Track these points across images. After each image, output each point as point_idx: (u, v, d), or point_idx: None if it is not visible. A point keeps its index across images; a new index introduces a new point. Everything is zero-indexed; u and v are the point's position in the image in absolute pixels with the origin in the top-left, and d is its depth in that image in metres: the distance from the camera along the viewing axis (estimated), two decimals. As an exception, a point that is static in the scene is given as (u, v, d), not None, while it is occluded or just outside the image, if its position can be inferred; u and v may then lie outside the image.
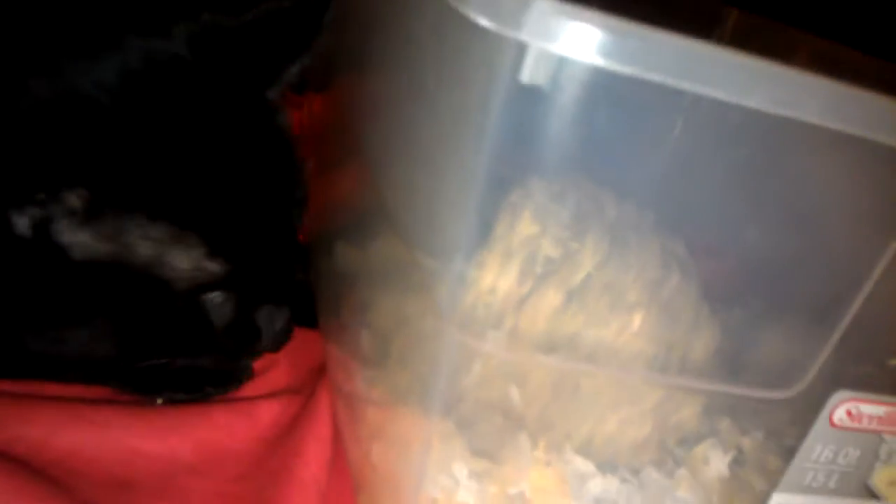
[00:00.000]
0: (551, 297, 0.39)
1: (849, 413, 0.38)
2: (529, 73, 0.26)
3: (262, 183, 0.47)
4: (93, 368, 0.51)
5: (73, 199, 0.41)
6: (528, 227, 0.39)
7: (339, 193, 0.58)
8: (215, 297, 0.47)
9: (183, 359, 0.50)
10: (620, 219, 0.44)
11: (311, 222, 0.71)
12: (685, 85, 0.26)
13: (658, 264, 0.42)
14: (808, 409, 0.38)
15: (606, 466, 0.42)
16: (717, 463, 0.43)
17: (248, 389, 0.56)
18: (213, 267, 0.45)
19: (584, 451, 0.41)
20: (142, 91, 0.42)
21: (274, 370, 0.58)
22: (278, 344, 0.52)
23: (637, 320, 0.40)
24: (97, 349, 0.46)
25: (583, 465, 0.41)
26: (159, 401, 0.53)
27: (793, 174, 0.32)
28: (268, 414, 0.53)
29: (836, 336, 0.35)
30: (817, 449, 0.39)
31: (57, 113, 0.40)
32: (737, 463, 0.44)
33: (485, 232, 0.36)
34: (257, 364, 0.58)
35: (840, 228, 0.35)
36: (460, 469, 0.39)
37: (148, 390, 0.53)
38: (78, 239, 0.42)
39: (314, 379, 0.57)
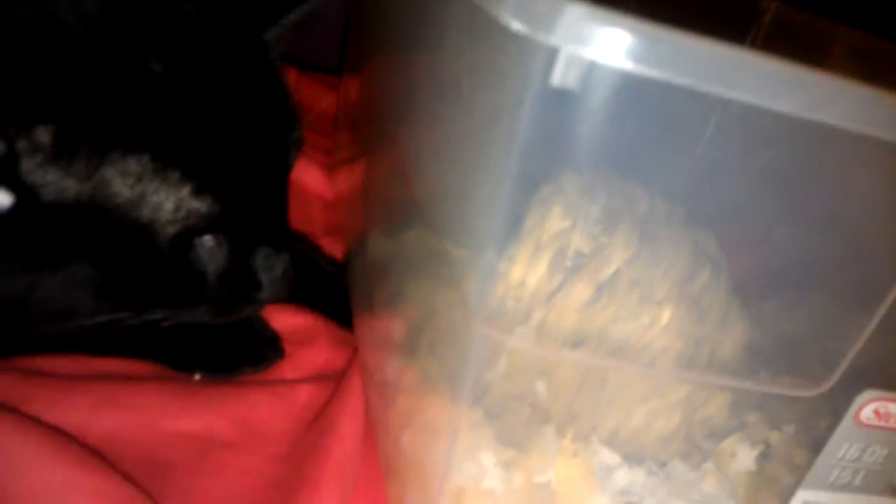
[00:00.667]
0: (581, 291, 0.39)
1: (876, 412, 0.38)
2: (560, 76, 0.26)
3: (253, 120, 0.45)
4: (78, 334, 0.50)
5: (43, 135, 0.39)
6: (558, 222, 0.40)
7: (373, 181, 0.59)
8: (207, 240, 0.45)
9: (175, 311, 0.48)
10: (651, 213, 0.44)
11: (345, 207, 0.73)
12: (714, 89, 0.26)
13: (688, 259, 0.43)
14: (836, 407, 0.38)
15: (633, 458, 0.42)
16: (743, 457, 0.43)
17: (287, 371, 0.57)
18: (201, 206, 0.43)
19: (611, 442, 0.42)
20: (121, 19, 0.40)
21: (312, 351, 0.59)
22: (279, 292, 0.50)
23: (666, 315, 0.41)
24: (75, 299, 0.44)
25: (609, 456, 0.41)
26: (197, 377, 0.54)
27: (824, 174, 0.33)
28: (304, 395, 0.55)
29: (865, 335, 0.35)
30: (844, 447, 0.39)
31: (28, 41, 0.37)
32: (764, 457, 0.44)
33: (514, 227, 0.36)
34: (293, 343, 0.59)
35: (870, 229, 0.35)
36: (488, 457, 0.40)
37: (184, 366, 0.54)
38: (48, 179, 0.40)
39: (351, 361, 0.58)
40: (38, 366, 0.50)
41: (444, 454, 0.38)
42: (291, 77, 0.92)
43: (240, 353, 0.56)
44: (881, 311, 0.34)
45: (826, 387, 0.36)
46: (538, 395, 0.39)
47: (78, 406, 0.47)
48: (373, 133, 0.60)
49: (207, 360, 0.54)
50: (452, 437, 0.38)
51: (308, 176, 0.81)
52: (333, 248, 0.72)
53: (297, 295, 0.61)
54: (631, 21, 0.25)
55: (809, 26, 0.73)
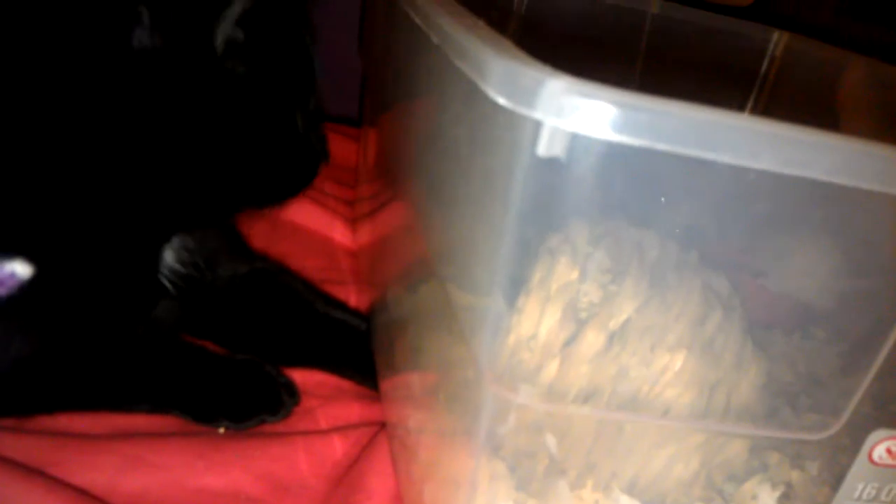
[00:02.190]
0: (592, 341, 0.40)
1: (889, 451, 0.38)
2: (545, 147, 0.28)
3: None
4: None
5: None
6: (566, 273, 0.41)
7: (389, 236, 0.60)
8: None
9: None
10: (661, 259, 0.45)
11: (366, 260, 0.74)
12: (693, 152, 0.27)
13: (699, 302, 0.43)
14: (848, 447, 0.38)
15: (654, 505, 0.43)
16: (765, 499, 0.43)
17: (322, 421, 0.59)
18: None
19: (631, 490, 0.42)
20: None
21: (344, 404, 0.61)
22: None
23: (679, 360, 0.41)
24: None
25: (630, 504, 0.42)
26: (221, 430, 0.55)
27: (816, 223, 0.33)
28: (340, 450, 0.56)
29: (870, 376, 0.35)
30: (859, 487, 0.39)
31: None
32: (786, 497, 0.44)
33: (520, 282, 0.37)
34: (323, 397, 0.60)
35: (869, 271, 0.35)
36: (510, 508, 0.41)
37: (204, 415, 0.56)
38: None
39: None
40: (62, 426, 0.52)
41: (464, 508, 0.39)
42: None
43: (257, 400, 0.57)
44: (884, 351, 0.34)
45: (834, 429, 0.37)
46: (551, 448, 0.39)
47: (104, 467, 0.49)
48: (388, 188, 0.61)
49: (226, 408, 0.56)
50: (472, 490, 0.39)
51: (334, 230, 0.84)
52: (362, 295, 0.74)
53: (325, 353, 0.63)
54: (609, 92, 0.26)
55: (822, 56, 0.74)
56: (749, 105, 0.79)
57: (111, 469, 0.49)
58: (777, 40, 0.79)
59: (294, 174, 0.57)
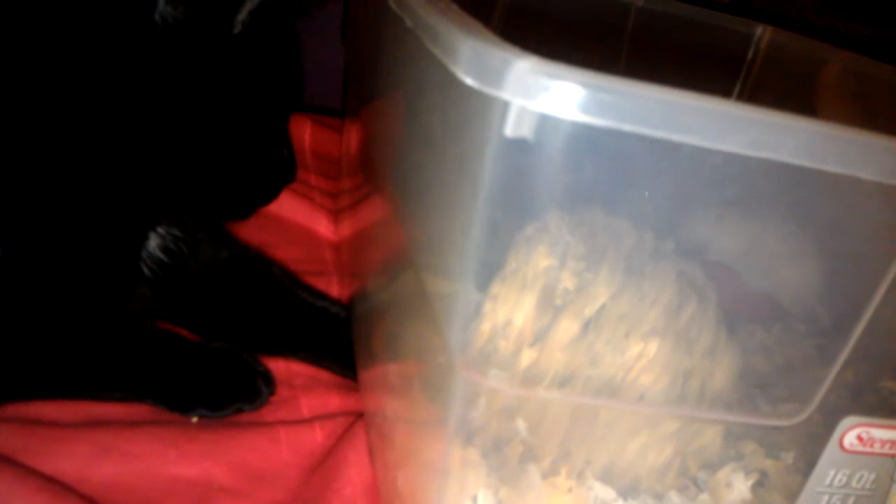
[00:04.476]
0: (567, 328, 0.40)
1: (860, 438, 0.38)
2: (513, 128, 0.28)
3: None
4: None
5: None
6: (543, 260, 0.41)
7: (369, 226, 0.60)
8: None
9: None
10: (637, 247, 0.45)
11: (347, 252, 0.74)
12: (661, 134, 0.27)
13: (675, 291, 0.43)
14: (819, 435, 0.38)
15: (628, 492, 0.43)
16: (739, 487, 0.43)
17: (305, 410, 0.59)
18: None
19: (606, 477, 0.42)
20: None
21: (323, 393, 0.60)
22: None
23: (653, 348, 0.41)
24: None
25: (604, 491, 0.42)
26: (194, 419, 0.55)
27: (785, 207, 0.33)
28: (319, 437, 0.56)
29: (839, 363, 0.35)
30: (830, 473, 0.39)
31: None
32: (760, 486, 0.44)
33: (493, 269, 0.37)
34: (300, 387, 0.60)
35: (838, 258, 0.35)
36: (485, 496, 0.40)
37: (180, 404, 0.55)
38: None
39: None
40: (35, 414, 0.51)
41: (436, 494, 0.39)
42: (305, 125, 0.96)
43: (234, 388, 0.57)
44: (853, 339, 0.34)
45: (805, 414, 0.37)
46: (521, 433, 0.39)
47: (75, 455, 0.48)
48: (368, 179, 0.61)
49: (202, 397, 0.56)
50: (444, 477, 0.39)
51: (318, 223, 0.84)
52: (344, 288, 0.73)
53: (304, 341, 0.63)
54: (576, 73, 0.26)
55: (805, 50, 0.74)
56: (734, 97, 0.80)
57: (82, 457, 0.48)
58: (761, 34, 0.80)
59: (269, 183, 0.58)
